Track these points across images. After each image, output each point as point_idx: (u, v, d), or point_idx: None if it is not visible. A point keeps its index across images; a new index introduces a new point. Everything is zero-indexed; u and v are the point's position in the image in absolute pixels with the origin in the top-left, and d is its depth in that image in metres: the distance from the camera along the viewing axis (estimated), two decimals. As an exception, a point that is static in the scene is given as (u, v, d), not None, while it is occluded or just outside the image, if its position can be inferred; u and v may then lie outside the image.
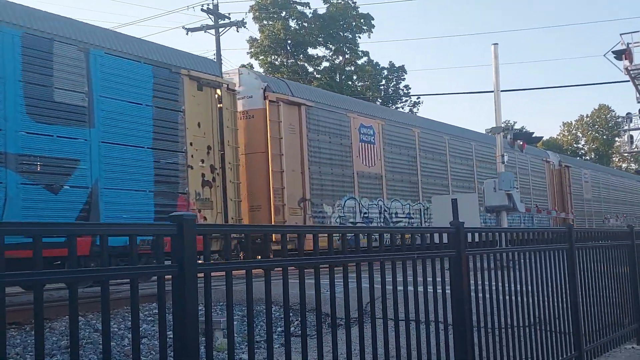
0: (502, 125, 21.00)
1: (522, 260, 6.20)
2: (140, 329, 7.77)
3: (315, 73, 45.36)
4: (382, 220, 19.29)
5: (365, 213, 18.75)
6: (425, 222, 21.06)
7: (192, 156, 13.72)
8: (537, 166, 30.60)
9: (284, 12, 43.70)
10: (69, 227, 2.78)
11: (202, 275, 3.17)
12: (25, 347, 7.94)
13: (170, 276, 3.03)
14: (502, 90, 20.19)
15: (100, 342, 7.90)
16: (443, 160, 23.21)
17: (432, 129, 23.14)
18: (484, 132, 25.22)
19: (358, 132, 18.95)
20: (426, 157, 22.01)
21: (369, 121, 19.55)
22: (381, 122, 20.11)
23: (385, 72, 48.13)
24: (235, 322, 7.61)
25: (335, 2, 44.68)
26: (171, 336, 3.08)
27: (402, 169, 20.80)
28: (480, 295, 5.37)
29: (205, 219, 13.77)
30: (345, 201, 18.13)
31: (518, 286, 6.01)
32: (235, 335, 6.26)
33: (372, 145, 19.46)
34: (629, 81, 28.98)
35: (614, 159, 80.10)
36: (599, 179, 37.95)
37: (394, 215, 19.97)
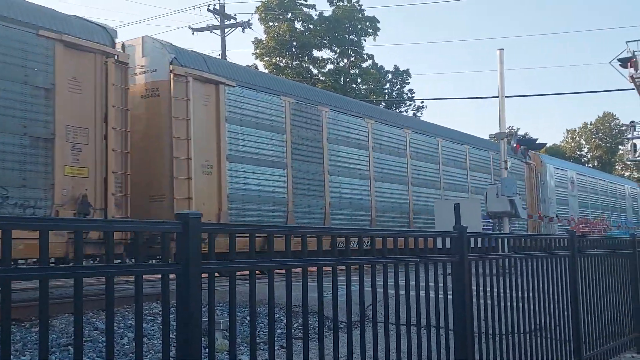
0: (506, 131, 20.93)
1: (524, 267, 6.20)
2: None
3: (319, 75, 45.36)
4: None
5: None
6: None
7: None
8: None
9: (290, 14, 43.72)
10: (75, 222, 2.78)
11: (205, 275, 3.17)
12: (25, 344, 7.94)
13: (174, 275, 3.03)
14: (506, 96, 20.14)
15: (100, 340, 7.92)
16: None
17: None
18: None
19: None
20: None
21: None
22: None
23: (390, 75, 48.13)
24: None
25: (341, 4, 44.67)
26: (173, 336, 3.08)
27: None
28: (482, 301, 5.37)
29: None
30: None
31: (519, 292, 6.01)
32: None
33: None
34: (634, 89, 28.97)
35: (616, 167, 79.98)
36: None
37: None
